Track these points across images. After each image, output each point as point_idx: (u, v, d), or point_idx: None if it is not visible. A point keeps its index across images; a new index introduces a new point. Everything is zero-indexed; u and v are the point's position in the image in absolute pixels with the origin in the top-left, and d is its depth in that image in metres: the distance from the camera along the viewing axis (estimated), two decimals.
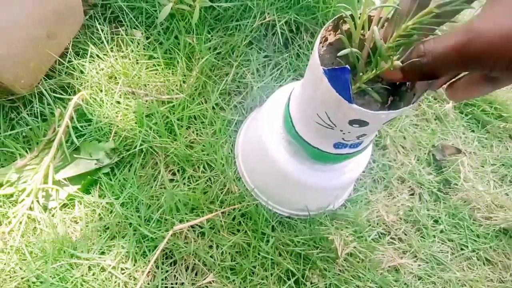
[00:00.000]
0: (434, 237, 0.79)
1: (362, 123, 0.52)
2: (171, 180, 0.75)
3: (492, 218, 0.81)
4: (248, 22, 0.89)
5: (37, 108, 0.74)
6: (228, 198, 0.74)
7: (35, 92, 0.75)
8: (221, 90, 0.84)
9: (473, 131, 0.98)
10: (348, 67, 0.46)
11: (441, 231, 0.80)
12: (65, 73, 0.79)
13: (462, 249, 0.79)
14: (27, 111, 0.74)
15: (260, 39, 0.91)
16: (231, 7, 0.88)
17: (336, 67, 0.47)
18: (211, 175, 0.76)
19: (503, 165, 0.93)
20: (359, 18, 0.52)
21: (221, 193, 0.74)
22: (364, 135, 0.57)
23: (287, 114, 0.65)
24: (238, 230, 0.72)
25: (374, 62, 0.54)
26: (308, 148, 0.63)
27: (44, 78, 0.77)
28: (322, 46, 0.58)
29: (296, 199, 0.73)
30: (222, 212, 0.73)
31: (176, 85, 0.82)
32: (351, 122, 0.52)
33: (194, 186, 0.74)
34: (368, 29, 0.54)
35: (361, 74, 0.55)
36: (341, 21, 0.55)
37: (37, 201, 0.67)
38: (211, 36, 0.88)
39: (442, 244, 0.79)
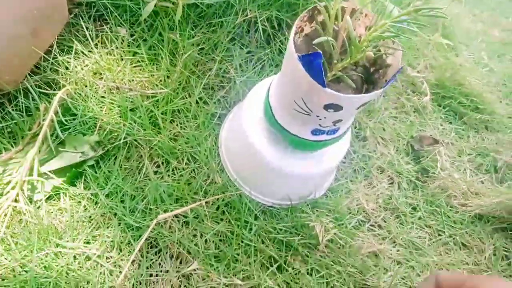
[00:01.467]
0: (412, 224, 0.82)
1: (336, 107, 0.54)
2: (156, 172, 0.77)
3: (468, 204, 0.84)
4: (230, 19, 0.91)
5: (22, 103, 0.75)
6: (211, 189, 0.76)
7: (20, 88, 0.76)
8: (204, 85, 0.86)
9: (450, 122, 1.01)
10: (321, 52, 0.48)
11: (419, 218, 0.83)
12: (50, 69, 0.80)
13: (439, 234, 0.82)
14: (12, 106, 0.75)
15: (243, 35, 0.93)
16: (213, 4, 0.90)
17: (310, 53, 0.50)
18: (195, 166, 0.77)
19: (479, 154, 0.96)
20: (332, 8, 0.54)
21: (205, 184, 0.76)
22: (340, 121, 0.59)
23: (267, 104, 0.67)
24: (222, 219, 0.74)
25: (349, 51, 0.57)
26: (287, 136, 0.65)
27: (29, 74, 0.78)
28: (299, 37, 0.60)
29: (278, 188, 0.75)
30: (206, 202, 0.74)
31: (160, 80, 0.84)
32: (326, 107, 0.54)
33: (178, 178, 0.76)
34: (342, 20, 0.57)
35: (336, 61, 0.58)
36: (316, 11, 0.58)
37: (23, 193, 0.68)
38: (195, 32, 0.90)
39: (420, 230, 0.82)
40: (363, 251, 0.75)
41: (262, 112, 0.70)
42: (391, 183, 0.87)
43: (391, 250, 0.78)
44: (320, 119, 0.58)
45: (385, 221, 0.81)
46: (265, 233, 0.73)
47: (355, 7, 0.58)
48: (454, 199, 0.85)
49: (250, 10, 0.92)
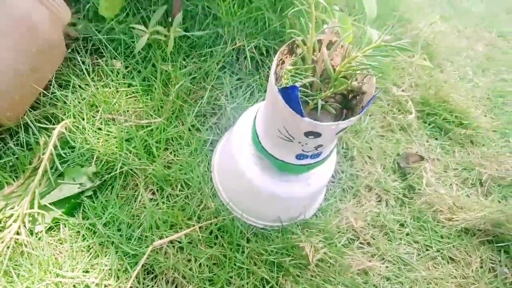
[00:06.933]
0: (401, 240, 0.85)
1: (316, 134, 0.58)
2: (151, 200, 0.80)
3: (454, 219, 0.87)
4: (220, 48, 0.96)
5: (23, 138, 0.79)
6: (205, 214, 0.79)
7: (21, 123, 0.80)
8: (196, 113, 0.90)
9: (436, 138, 1.05)
10: (297, 86, 0.52)
11: (407, 234, 0.86)
12: (49, 104, 0.84)
13: (427, 249, 0.85)
14: (13, 141, 0.79)
15: (233, 63, 0.98)
16: (203, 35, 0.95)
17: (288, 86, 0.54)
18: (189, 192, 0.81)
19: (464, 169, 0.99)
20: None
21: (198, 209, 0.79)
22: (321, 146, 0.63)
23: (253, 131, 0.71)
24: (215, 243, 0.77)
25: (331, 83, 0.61)
26: (274, 161, 0.69)
27: (29, 109, 0.82)
28: (281, 68, 0.64)
29: (268, 210, 0.78)
30: (200, 227, 0.78)
31: (155, 110, 0.88)
32: (306, 134, 0.58)
33: (172, 204, 0.79)
34: (319, 51, 0.61)
35: (317, 91, 0.62)
36: (295, 45, 0.62)
37: (24, 225, 0.71)
38: (187, 62, 0.95)
39: (408, 246, 0.85)
40: (353, 269, 0.78)
41: (250, 138, 0.73)
42: (379, 201, 0.90)
43: (380, 267, 0.80)
44: (303, 145, 0.62)
45: (373, 239, 0.84)
46: (257, 255, 0.76)
47: (332, 39, 0.62)
48: (440, 214, 0.88)
49: (238, 39, 0.96)
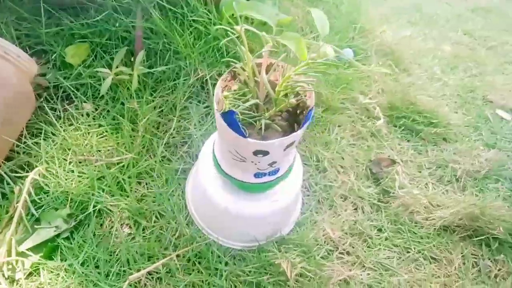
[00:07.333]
0: (380, 245, 0.85)
1: (264, 152, 0.60)
2: (129, 234, 0.81)
3: (431, 218, 0.87)
4: (184, 80, 1.00)
5: None
6: (181, 242, 0.80)
7: None
8: (166, 144, 0.93)
9: (408, 140, 1.06)
10: (234, 110, 0.55)
11: (386, 238, 0.86)
12: (23, 153, 0.87)
13: (407, 252, 0.85)
14: None
15: (198, 92, 1.01)
16: (165, 70, 0.99)
17: (227, 110, 0.56)
18: (164, 223, 0.82)
19: (439, 167, 1.00)
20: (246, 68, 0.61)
21: (173, 237, 0.80)
22: (275, 163, 0.64)
23: (213, 155, 0.73)
24: (193, 270, 0.77)
25: (274, 102, 0.64)
26: (234, 182, 0.70)
27: (3, 161, 0.85)
28: (229, 93, 0.67)
29: (241, 231, 0.79)
30: (177, 255, 0.78)
31: (125, 147, 0.90)
32: (255, 153, 0.60)
33: (148, 236, 0.80)
34: (259, 74, 0.64)
35: (262, 112, 0.64)
36: (236, 71, 0.65)
37: (3, 274, 0.72)
38: (154, 97, 0.98)
39: (388, 250, 0.85)
40: (334, 280, 0.78)
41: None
42: (355, 209, 0.90)
43: (361, 275, 0.80)
44: (256, 164, 0.64)
45: (352, 247, 0.84)
46: (235, 277, 0.76)
47: (270, 61, 0.65)
48: (417, 215, 0.88)
49: (200, 69, 1.00)
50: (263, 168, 0.65)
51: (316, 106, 1.06)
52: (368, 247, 0.85)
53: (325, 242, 0.84)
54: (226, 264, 0.79)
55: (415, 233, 0.87)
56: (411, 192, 0.90)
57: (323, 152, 0.96)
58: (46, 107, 0.93)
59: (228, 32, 0.59)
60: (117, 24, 1.01)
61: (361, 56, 1.20)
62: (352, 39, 1.22)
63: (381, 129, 1.04)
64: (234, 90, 0.67)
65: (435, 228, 0.87)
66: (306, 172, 0.94)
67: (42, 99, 0.97)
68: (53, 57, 1.00)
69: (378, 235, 0.86)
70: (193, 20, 1.00)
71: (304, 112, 0.65)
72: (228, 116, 0.56)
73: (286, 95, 0.62)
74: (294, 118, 0.66)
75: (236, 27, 0.56)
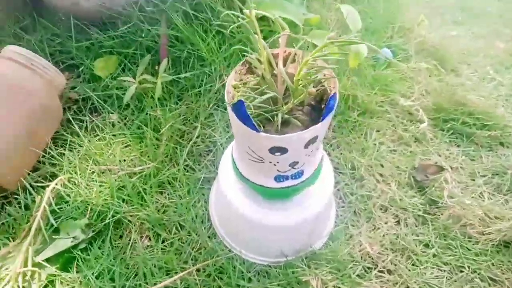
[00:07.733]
0: (426, 263, 0.73)
1: (282, 149, 0.53)
2: (147, 246, 0.77)
3: (487, 231, 0.74)
4: (210, 87, 0.96)
5: (22, 200, 0.80)
6: (201, 255, 0.74)
7: (19, 186, 0.82)
8: (190, 152, 0.89)
9: (458, 145, 0.94)
10: (242, 100, 0.49)
11: (434, 255, 0.74)
12: (49, 163, 0.87)
13: (460, 271, 0.72)
14: (14, 205, 0.81)
15: (224, 98, 0.97)
16: (190, 77, 0.96)
17: (236, 101, 0.51)
18: (184, 234, 0.77)
19: (496, 174, 0.87)
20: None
21: (193, 250, 0.74)
22: (296, 163, 0.57)
23: (232, 159, 0.67)
24: (213, 286, 0.71)
25: (292, 94, 0.57)
26: (255, 188, 0.64)
27: (30, 171, 0.84)
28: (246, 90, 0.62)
29: (268, 244, 0.72)
30: (197, 270, 0.72)
31: (148, 156, 0.87)
32: (271, 151, 0.54)
33: (168, 249, 0.75)
34: (276, 64, 0.58)
35: (281, 105, 0.58)
36: (252, 64, 0.60)
37: (17, 286, 0.70)
38: (179, 105, 0.95)
39: (436, 269, 0.73)
40: None
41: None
42: (397, 221, 0.80)
43: None
44: (275, 165, 0.57)
45: (394, 265, 0.73)
46: None
47: (289, 51, 0.59)
48: (470, 228, 0.76)
49: (226, 75, 0.96)
50: (283, 170, 0.58)
51: (352, 109, 0.97)
52: (413, 264, 0.73)
53: (362, 258, 0.74)
54: (250, 280, 0.72)
55: (469, 249, 0.75)
56: (463, 202, 0.78)
57: (359, 159, 0.87)
58: (75, 119, 0.93)
59: (239, 18, 0.53)
60: (143, 35, 1.00)
61: (400, 56, 1.10)
62: (390, 38, 1.13)
63: (425, 133, 0.93)
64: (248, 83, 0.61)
65: (493, 244, 0.74)
66: (340, 181, 0.85)
67: (71, 111, 0.97)
68: (82, 70, 1.01)
69: (425, 251, 0.75)
70: (218, 25, 0.97)
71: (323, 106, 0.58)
72: (237, 107, 0.50)
73: (305, 86, 0.55)
74: (319, 113, 0.59)
75: (245, 11, 0.51)
